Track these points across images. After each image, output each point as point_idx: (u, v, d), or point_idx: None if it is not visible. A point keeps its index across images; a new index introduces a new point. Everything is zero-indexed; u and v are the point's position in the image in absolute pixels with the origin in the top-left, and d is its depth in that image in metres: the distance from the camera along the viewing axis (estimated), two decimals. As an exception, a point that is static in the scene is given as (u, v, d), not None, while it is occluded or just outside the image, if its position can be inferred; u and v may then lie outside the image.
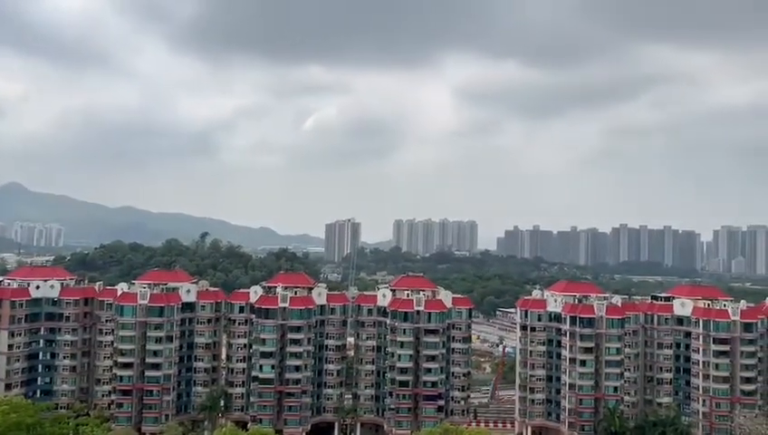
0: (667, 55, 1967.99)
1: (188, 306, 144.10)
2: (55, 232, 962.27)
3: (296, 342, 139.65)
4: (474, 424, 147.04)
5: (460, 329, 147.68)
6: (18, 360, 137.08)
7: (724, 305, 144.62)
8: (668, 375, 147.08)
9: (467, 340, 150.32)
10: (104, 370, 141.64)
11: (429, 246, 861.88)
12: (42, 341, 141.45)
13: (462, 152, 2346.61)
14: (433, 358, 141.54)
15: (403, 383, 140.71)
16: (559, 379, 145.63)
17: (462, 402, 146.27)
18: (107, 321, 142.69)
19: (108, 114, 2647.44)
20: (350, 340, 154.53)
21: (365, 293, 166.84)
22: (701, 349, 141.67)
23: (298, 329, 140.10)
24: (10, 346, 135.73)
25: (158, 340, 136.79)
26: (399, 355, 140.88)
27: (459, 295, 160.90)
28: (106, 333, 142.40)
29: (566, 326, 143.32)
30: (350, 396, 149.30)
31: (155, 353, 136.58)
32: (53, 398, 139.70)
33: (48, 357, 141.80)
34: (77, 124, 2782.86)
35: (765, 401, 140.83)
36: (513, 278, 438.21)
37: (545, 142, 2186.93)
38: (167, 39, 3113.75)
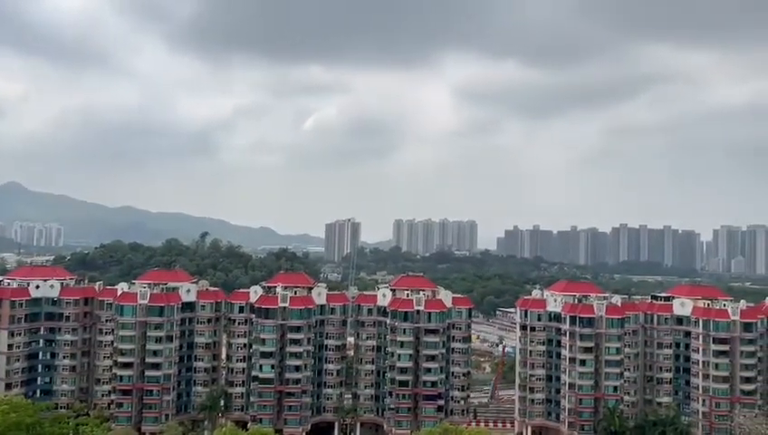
0: (666, 55, 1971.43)
1: (188, 306, 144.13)
2: (55, 232, 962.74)
3: (296, 341, 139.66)
4: (473, 424, 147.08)
5: (460, 329, 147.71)
6: (18, 359, 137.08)
7: (724, 305, 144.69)
8: (668, 375, 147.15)
9: (467, 340, 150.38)
10: (104, 369, 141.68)
11: (429, 245, 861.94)
12: (41, 340, 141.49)
13: (462, 152, 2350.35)
14: (433, 358, 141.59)
15: (403, 383, 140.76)
16: (559, 378, 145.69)
17: (462, 402, 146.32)
18: (107, 321, 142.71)
19: (107, 114, 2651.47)
20: (350, 340, 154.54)
21: (365, 293, 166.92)
22: (701, 349, 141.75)
23: (298, 329, 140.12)
24: (10, 346, 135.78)
25: (158, 340, 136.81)
26: (399, 355, 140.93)
27: (459, 295, 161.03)
28: (106, 332, 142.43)
29: (566, 326, 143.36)
30: (350, 396, 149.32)
31: (155, 353, 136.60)
32: (53, 398, 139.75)
33: (48, 357, 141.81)
34: (77, 124, 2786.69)
35: (765, 401, 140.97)
36: (512, 278, 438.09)
37: (545, 142, 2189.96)
38: (166, 39, 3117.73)
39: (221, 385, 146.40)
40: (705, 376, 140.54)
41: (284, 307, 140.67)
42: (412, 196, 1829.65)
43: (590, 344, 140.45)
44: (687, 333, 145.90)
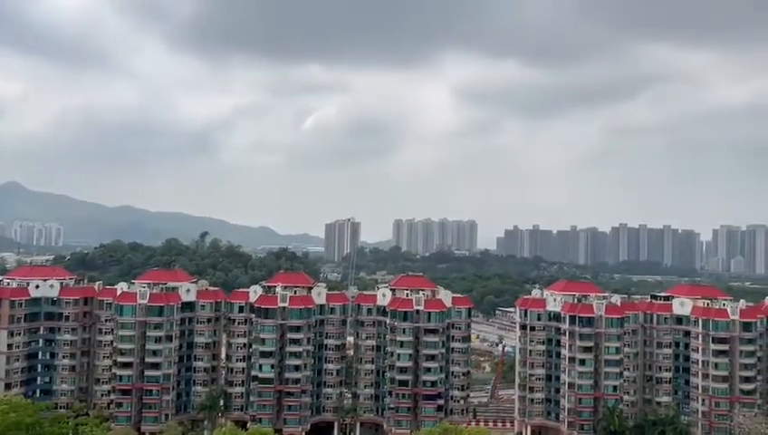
0: (666, 55, 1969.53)
1: (188, 306, 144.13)
2: (55, 231, 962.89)
3: (296, 341, 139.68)
4: (473, 423, 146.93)
5: (460, 328, 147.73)
6: (18, 359, 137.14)
7: (724, 305, 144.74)
8: (668, 374, 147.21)
9: (467, 339, 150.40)
10: (104, 369, 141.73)
11: (429, 245, 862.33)
12: (41, 340, 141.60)
13: (461, 152, 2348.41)
14: (432, 357, 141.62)
15: (403, 383, 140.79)
16: (558, 378, 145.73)
17: (461, 402, 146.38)
18: (106, 320, 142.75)
19: (107, 114, 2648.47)
20: (350, 339, 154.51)
21: (365, 292, 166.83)
22: (700, 348, 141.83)
23: (298, 329, 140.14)
24: (9, 346, 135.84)
25: (158, 339, 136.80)
26: (399, 355, 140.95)
27: (459, 295, 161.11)
28: (105, 332, 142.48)
29: (565, 326, 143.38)
30: (350, 395, 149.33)
31: (154, 353, 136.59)
32: (53, 397, 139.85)
33: (47, 357, 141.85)
34: (76, 124, 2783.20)
35: (764, 401, 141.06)
36: (512, 278, 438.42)
37: (545, 142, 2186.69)
38: (166, 38, 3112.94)
39: (221, 385, 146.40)
40: (705, 376, 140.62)
41: (284, 307, 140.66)
42: (412, 196, 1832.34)
43: (590, 344, 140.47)
44: (687, 333, 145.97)
